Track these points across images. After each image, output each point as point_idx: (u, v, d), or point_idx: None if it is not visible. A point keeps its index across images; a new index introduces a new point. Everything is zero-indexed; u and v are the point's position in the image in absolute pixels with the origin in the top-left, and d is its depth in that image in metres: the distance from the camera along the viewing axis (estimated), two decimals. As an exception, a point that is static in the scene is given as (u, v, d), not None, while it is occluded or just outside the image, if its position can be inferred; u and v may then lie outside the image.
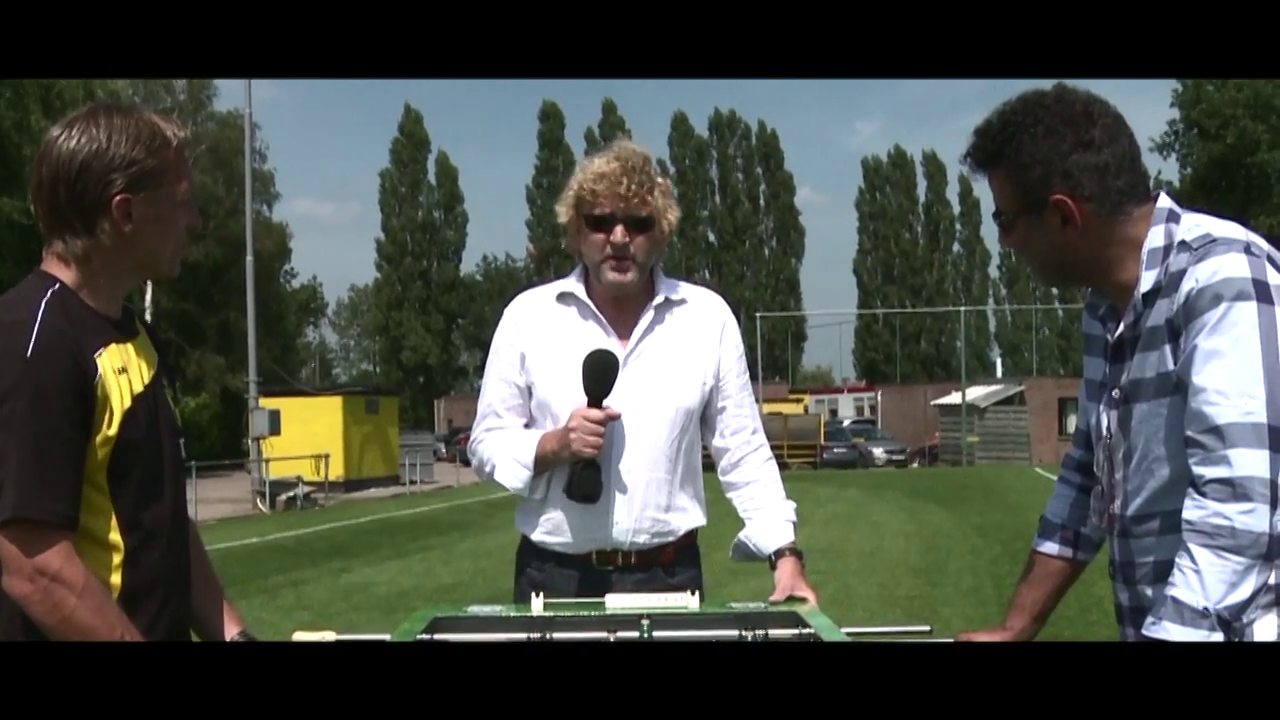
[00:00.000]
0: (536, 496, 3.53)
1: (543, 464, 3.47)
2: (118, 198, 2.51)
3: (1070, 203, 2.53)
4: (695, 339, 3.59)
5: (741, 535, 3.60)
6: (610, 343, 3.50)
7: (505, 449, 3.54)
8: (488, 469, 3.59)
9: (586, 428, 3.35)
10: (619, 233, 3.44)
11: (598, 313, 3.55)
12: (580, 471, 3.39)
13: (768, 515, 3.60)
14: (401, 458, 42.08)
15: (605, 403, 3.39)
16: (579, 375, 3.41)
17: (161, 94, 56.51)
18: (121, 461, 2.52)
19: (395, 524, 25.52)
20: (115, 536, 2.53)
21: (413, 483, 40.01)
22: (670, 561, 3.58)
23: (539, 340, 3.57)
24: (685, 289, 3.66)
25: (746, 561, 3.66)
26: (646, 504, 3.51)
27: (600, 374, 3.38)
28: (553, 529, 3.55)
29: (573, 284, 3.60)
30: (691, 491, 3.61)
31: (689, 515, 3.60)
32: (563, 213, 3.55)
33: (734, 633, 3.15)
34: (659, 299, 3.57)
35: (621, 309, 3.56)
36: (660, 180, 3.50)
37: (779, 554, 3.52)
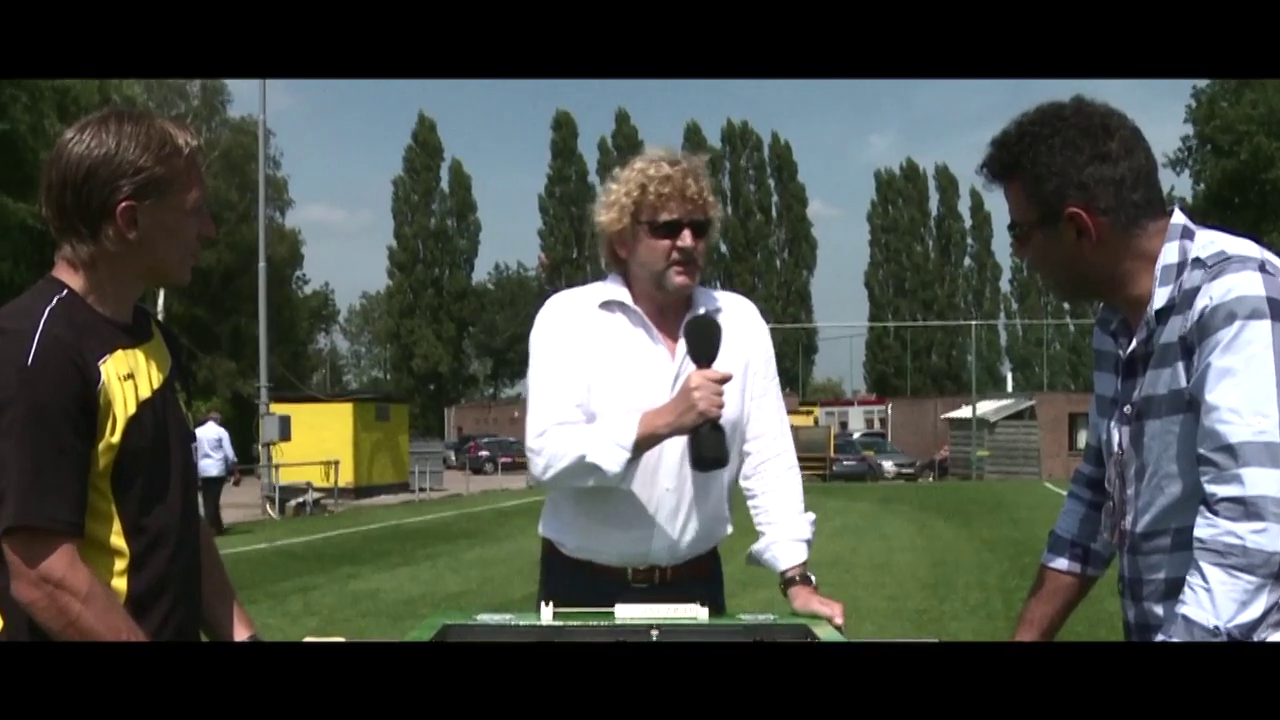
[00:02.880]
0: (625, 486, 3.37)
1: (647, 443, 3.28)
2: (123, 204, 2.49)
3: (1085, 215, 2.52)
4: (733, 346, 3.50)
5: (754, 548, 3.57)
6: (658, 351, 3.44)
7: (596, 434, 3.33)
8: (569, 460, 3.32)
9: (711, 388, 3.19)
10: (687, 237, 3.38)
11: (647, 321, 3.47)
12: (709, 434, 3.23)
13: (782, 531, 3.53)
14: (411, 465, 42.07)
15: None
16: (630, 383, 3.37)
17: (175, 100, 56.70)
18: (125, 468, 2.52)
19: (404, 531, 25.53)
20: (119, 542, 2.53)
21: (422, 490, 40.00)
22: (701, 574, 3.56)
23: (589, 344, 3.45)
24: (719, 295, 3.61)
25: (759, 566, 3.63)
26: (690, 518, 3.47)
27: (709, 337, 3.27)
28: (590, 542, 3.50)
29: (617, 290, 3.51)
30: (728, 502, 3.57)
31: (724, 525, 3.58)
32: (611, 220, 3.44)
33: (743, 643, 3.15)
34: (700, 308, 3.49)
35: (664, 317, 3.49)
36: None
37: (789, 581, 3.47)
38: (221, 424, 26.33)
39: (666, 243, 3.38)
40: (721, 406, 3.22)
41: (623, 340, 3.46)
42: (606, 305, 3.49)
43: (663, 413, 3.26)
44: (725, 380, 3.23)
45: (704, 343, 3.27)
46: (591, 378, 3.42)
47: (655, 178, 3.38)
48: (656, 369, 3.44)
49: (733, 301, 3.64)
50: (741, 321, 3.58)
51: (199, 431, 25.60)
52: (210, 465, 24.31)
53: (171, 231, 2.57)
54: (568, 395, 3.42)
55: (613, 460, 3.27)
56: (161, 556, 2.59)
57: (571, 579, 3.52)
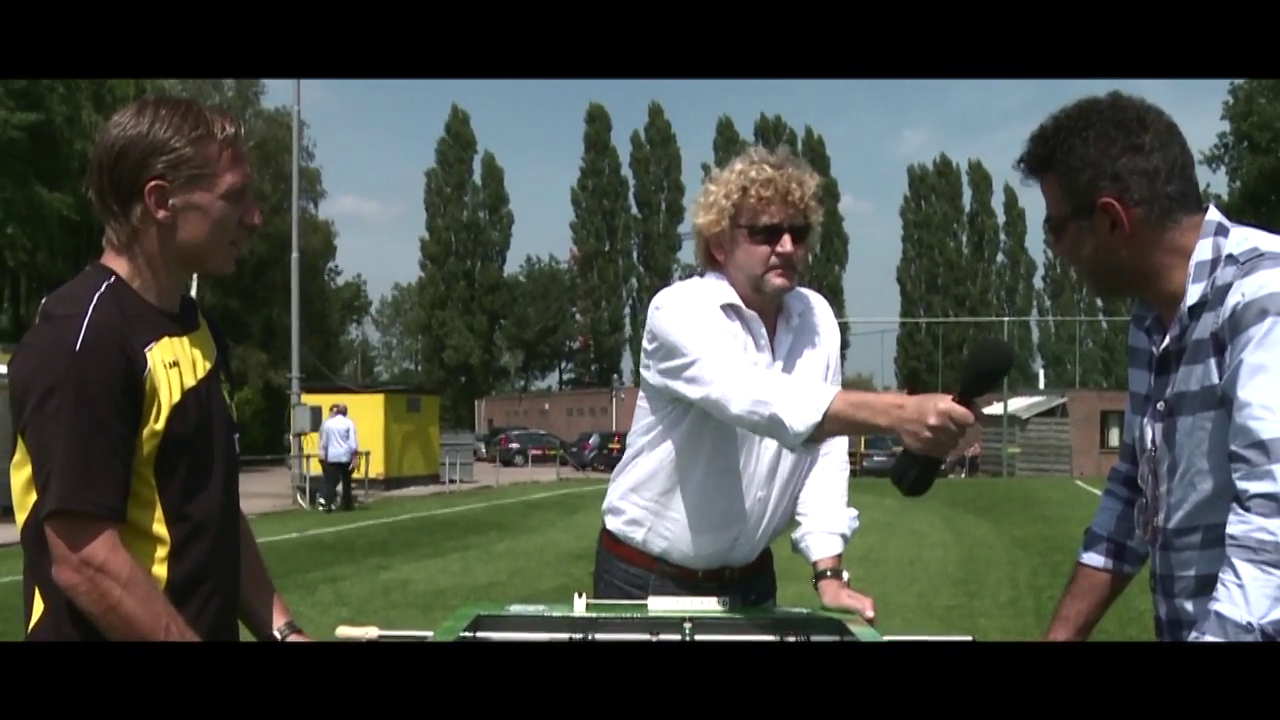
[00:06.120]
0: (802, 453, 3.21)
1: (839, 422, 2.89)
2: (151, 183, 2.52)
3: (1119, 206, 2.52)
4: (819, 347, 3.51)
5: (793, 535, 3.56)
6: (763, 358, 3.37)
7: (786, 382, 3.08)
8: (749, 400, 2.98)
9: (953, 430, 2.78)
10: (787, 242, 3.31)
11: (764, 330, 3.39)
12: (929, 466, 2.90)
13: (817, 522, 3.52)
14: (442, 457, 42.19)
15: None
16: None
17: (210, 92, 56.83)
18: (168, 455, 2.54)
19: (434, 522, 25.59)
20: (161, 529, 2.55)
21: (452, 481, 40.12)
22: (762, 571, 3.58)
23: None
24: (805, 293, 3.55)
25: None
26: (771, 523, 3.48)
27: (996, 373, 2.87)
28: (672, 544, 3.45)
29: (729, 293, 3.38)
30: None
31: (787, 524, 3.57)
32: (709, 222, 3.37)
33: (775, 637, 3.16)
34: (793, 314, 3.46)
35: (765, 321, 3.42)
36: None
37: (820, 575, 3.46)
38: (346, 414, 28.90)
39: (765, 248, 3.32)
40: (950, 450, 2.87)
41: (742, 346, 3.36)
42: (725, 309, 3.37)
43: (878, 408, 2.85)
44: (969, 424, 2.79)
45: (989, 377, 2.81)
46: None
47: (757, 180, 3.32)
48: None
49: (816, 299, 3.59)
50: (825, 320, 3.56)
51: (330, 422, 27.68)
52: (341, 453, 28.11)
53: (202, 214, 2.58)
54: (737, 352, 3.25)
55: (801, 420, 2.87)
56: (202, 545, 2.61)
57: (634, 575, 3.51)
